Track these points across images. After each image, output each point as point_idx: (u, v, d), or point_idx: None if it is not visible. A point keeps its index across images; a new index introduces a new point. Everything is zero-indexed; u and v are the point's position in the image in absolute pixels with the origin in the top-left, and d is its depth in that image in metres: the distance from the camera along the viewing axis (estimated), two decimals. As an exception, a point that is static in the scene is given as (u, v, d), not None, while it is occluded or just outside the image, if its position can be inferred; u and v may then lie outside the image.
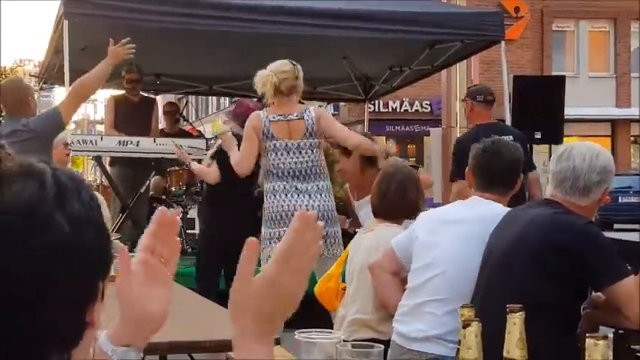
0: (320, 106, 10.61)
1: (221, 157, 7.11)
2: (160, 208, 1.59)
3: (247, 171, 6.45)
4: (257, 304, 1.47)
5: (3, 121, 6.52)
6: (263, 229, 6.33)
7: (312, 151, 6.30)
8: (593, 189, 3.61)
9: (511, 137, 6.51)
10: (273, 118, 6.29)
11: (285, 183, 6.28)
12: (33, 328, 1.22)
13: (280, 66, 6.30)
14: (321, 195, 6.29)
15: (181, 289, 5.83)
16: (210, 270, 7.37)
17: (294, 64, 6.34)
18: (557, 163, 3.67)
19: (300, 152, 6.29)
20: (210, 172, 7.38)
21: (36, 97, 7.09)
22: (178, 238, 1.61)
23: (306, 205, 6.15)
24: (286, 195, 6.26)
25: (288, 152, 6.29)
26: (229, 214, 7.23)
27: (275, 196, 6.29)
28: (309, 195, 6.25)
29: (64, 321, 1.25)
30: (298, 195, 6.26)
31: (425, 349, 4.05)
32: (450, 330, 3.93)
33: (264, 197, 6.38)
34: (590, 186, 3.61)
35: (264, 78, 6.26)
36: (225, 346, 3.39)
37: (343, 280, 5.07)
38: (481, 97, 7.51)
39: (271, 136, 6.28)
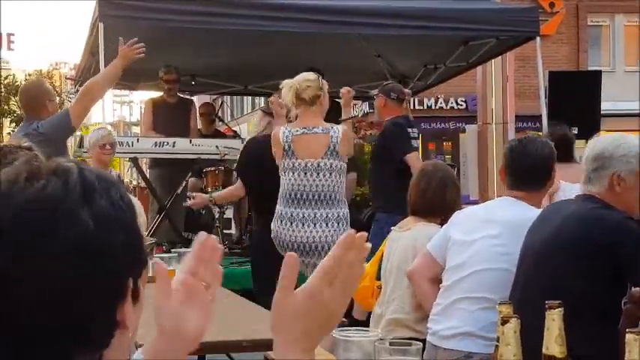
0: (355, 104, 10.58)
1: (243, 167, 7.16)
2: (201, 232, 1.56)
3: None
4: (299, 318, 1.45)
5: (22, 124, 6.56)
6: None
7: (331, 174, 6.08)
8: (594, 178, 3.58)
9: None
10: (297, 131, 6.11)
11: (294, 210, 6.07)
12: (57, 325, 1.21)
13: (304, 75, 6.21)
14: (326, 225, 6.05)
15: (219, 290, 5.82)
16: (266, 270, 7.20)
17: (318, 76, 6.23)
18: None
19: (319, 174, 6.06)
20: (233, 190, 7.46)
21: (57, 99, 7.07)
22: (220, 267, 1.58)
23: (307, 236, 6.00)
24: (290, 223, 6.06)
25: (305, 173, 6.07)
26: None
27: (283, 222, 6.11)
28: (314, 224, 6.01)
29: (89, 318, 1.25)
30: (303, 225, 6.03)
31: (457, 346, 4.05)
32: (483, 326, 3.93)
33: (274, 219, 6.18)
34: (590, 176, 3.59)
35: (288, 85, 6.13)
36: (263, 345, 3.41)
37: (378, 279, 5.06)
38: (394, 95, 7.63)
39: (291, 154, 6.11)
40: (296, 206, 6.06)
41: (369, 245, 1.49)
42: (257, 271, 7.02)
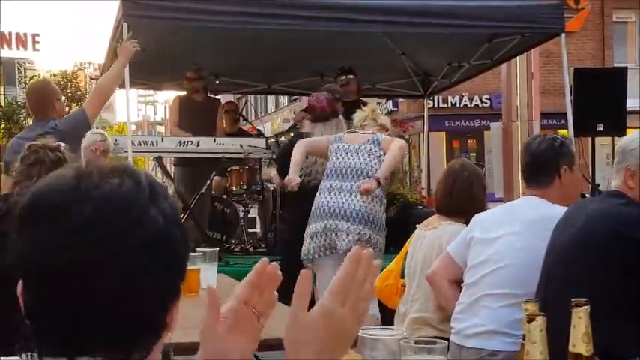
0: (378, 103, 10.61)
1: (284, 160, 7.20)
2: (262, 259, 1.52)
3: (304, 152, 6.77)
4: (312, 337, 1.43)
5: (31, 125, 6.62)
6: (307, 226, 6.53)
7: (370, 156, 6.43)
8: (615, 172, 3.57)
9: None
10: (348, 131, 6.81)
11: (334, 182, 6.44)
12: (123, 316, 1.25)
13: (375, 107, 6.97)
14: (372, 199, 6.32)
15: (231, 282, 5.82)
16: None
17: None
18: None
19: (358, 154, 6.45)
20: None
21: (63, 98, 7.15)
22: (276, 293, 1.55)
23: (341, 202, 6.30)
24: (329, 193, 6.41)
25: (347, 153, 6.49)
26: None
27: (321, 194, 6.49)
28: (350, 194, 6.32)
29: (150, 314, 1.29)
30: (339, 193, 6.37)
31: (481, 344, 4.05)
32: (506, 323, 3.93)
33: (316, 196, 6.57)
34: (614, 170, 3.58)
35: (366, 113, 6.81)
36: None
37: (402, 277, 5.06)
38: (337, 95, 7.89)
39: (338, 139, 6.61)
40: (337, 180, 6.45)
41: (378, 262, 1.48)
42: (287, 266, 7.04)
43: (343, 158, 6.49)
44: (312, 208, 6.48)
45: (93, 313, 1.24)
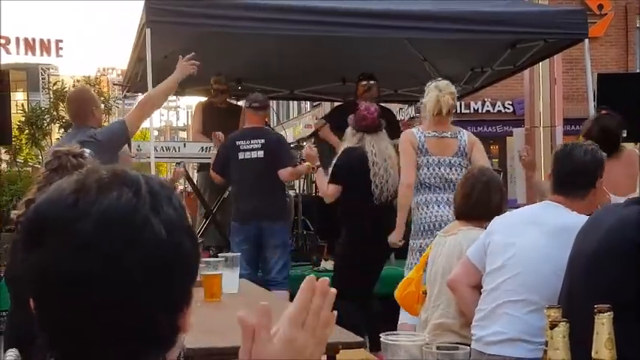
0: (400, 109, 10.61)
1: (341, 171, 7.31)
2: (308, 277, 1.41)
3: (413, 181, 6.64)
4: None
5: (71, 132, 6.66)
6: (410, 241, 6.62)
7: (462, 169, 6.53)
8: None
9: (263, 140, 7.93)
10: (429, 134, 6.62)
11: (432, 195, 6.55)
12: (131, 328, 1.27)
13: (448, 87, 6.71)
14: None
15: (252, 288, 5.86)
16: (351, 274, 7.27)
17: (452, 84, 6.84)
18: None
19: (452, 168, 6.57)
20: (331, 192, 7.47)
21: (102, 106, 7.21)
22: (335, 312, 1.43)
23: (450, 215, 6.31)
24: (431, 206, 6.51)
25: (439, 167, 6.58)
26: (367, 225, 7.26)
27: (424, 208, 6.56)
28: (450, 206, 6.32)
29: (160, 323, 1.30)
30: (439, 206, 6.51)
31: (503, 352, 4.02)
32: (528, 331, 3.91)
33: (413, 210, 6.65)
34: None
35: (437, 97, 6.62)
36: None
37: (423, 284, 5.05)
38: (256, 104, 8.20)
39: (425, 151, 6.58)
40: (433, 193, 6.59)
41: (333, 291, 1.40)
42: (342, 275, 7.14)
43: (437, 172, 6.59)
44: (419, 222, 6.56)
45: (101, 328, 1.26)
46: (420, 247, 6.39)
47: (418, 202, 6.58)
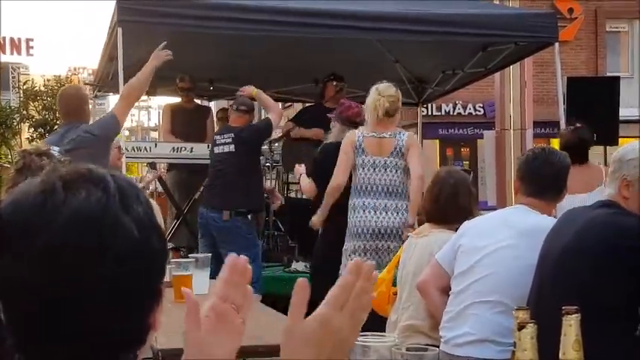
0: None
1: (320, 170, 7.29)
2: (230, 254, 1.49)
3: (343, 183, 6.77)
4: (309, 345, 1.42)
5: (61, 129, 6.64)
6: (345, 243, 6.68)
7: (397, 171, 6.64)
8: (610, 181, 3.57)
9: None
10: (367, 134, 6.72)
11: (366, 199, 6.62)
12: (107, 327, 1.26)
13: (387, 89, 6.79)
14: (397, 213, 6.58)
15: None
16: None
17: (396, 87, 6.89)
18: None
19: (386, 169, 6.63)
20: (308, 189, 7.56)
21: (90, 104, 7.26)
22: (250, 287, 1.52)
23: (382, 222, 6.53)
24: (364, 211, 6.59)
25: (374, 169, 6.64)
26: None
27: (360, 211, 6.62)
28: (386, 212, 6.56)
29: (134, 321, 1.30)
30: (375, 212, 6.57)
31: (471, 353, 4.04)
32: (497, 331, 3.93)
33: (349, 212, 6.70)
34: (609, 179, 3.58)
35: (376, 102, 6.68)
36: (279, 351, 3.38)
37: (394, 285, 5.06)
38: (241, 107, 8.44)
39: (362, 151, 6.67)
40: (368, 197, 6.64)
41: (376, 274, 1.47)
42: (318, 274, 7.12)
43: (371, 174, 6.66)
44: (352, 225, 6.65)
45: (70, 328, 1.25)
46: (354, 249, 6.56)
47: (354, 205, 6.68)
